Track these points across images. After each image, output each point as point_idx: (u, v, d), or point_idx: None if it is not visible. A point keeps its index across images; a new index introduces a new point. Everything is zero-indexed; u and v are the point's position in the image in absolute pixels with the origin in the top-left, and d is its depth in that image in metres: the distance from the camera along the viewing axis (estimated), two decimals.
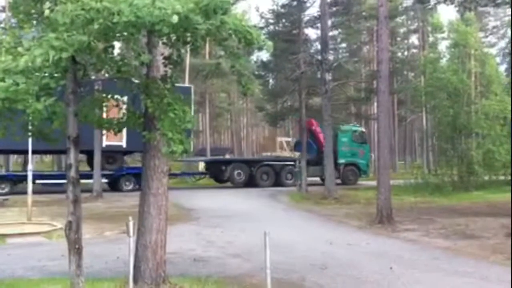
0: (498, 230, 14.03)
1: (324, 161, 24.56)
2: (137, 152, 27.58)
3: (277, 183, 29.35)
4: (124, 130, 25.39)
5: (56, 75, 5.71)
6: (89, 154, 24.29)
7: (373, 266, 10.01)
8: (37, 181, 22.94)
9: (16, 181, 24.31)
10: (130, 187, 25.95)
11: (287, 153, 34.12)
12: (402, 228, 15.07)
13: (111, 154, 25.64)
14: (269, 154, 35.10)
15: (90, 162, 24.92)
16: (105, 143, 23.92)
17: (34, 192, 17.11)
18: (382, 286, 8.58)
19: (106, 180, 25.60)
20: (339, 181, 28.85)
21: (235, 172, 29.03)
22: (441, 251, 11.77)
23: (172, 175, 26.72)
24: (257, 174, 29.30)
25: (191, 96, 26.43)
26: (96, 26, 5.37)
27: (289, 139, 36.36)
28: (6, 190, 23.64)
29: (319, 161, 27.90)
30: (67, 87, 6.56)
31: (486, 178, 28.07)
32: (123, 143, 25.01)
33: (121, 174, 26.39)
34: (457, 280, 8.99)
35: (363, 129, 33.24)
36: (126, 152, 27.03)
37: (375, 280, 8.94)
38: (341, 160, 30.56)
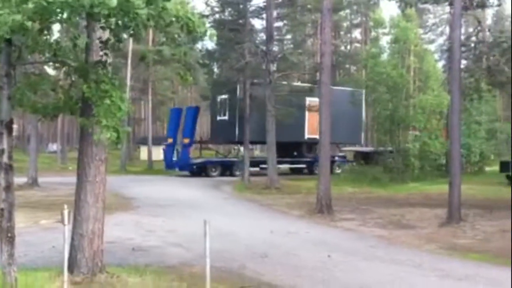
0: (432, 220, 14.59)
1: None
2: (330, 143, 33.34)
3: None
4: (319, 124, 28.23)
5: None
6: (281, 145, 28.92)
7: (313, 254, 10.20)
8: (261, 166, 29.23)
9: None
10: None
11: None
12: (341, 217, 15.42)
13: (310, 145, 31.95)
14: None
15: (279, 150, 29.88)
16: (306, 136, 30.97)
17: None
18: (321, 273, 8.75)
19: (303, 166, 32.32)
20: None
21: (387, 161, 30.17)
22: (378, 240, 12.13)
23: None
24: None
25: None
26: (31, 6, 5.14)
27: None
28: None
29: None
30: (0, 69, 6.28)
31: (422, 170, 29.04)
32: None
33: (316, 160, 28.99)
34: (392, 267, 9.29)
35: None
36: None
37: (314, 267, 9.10)
38: None
